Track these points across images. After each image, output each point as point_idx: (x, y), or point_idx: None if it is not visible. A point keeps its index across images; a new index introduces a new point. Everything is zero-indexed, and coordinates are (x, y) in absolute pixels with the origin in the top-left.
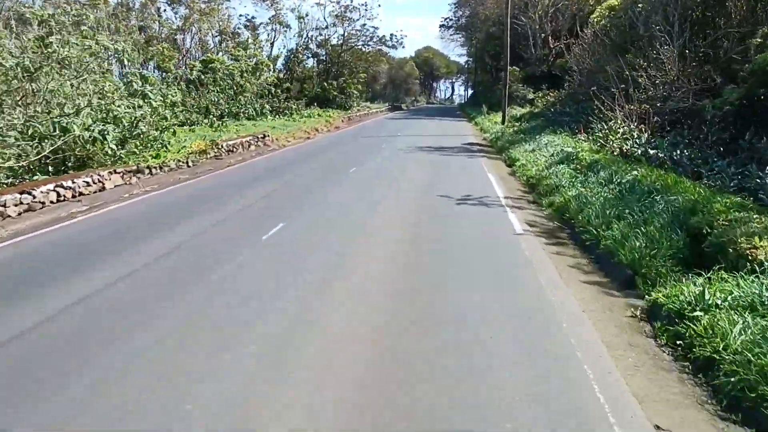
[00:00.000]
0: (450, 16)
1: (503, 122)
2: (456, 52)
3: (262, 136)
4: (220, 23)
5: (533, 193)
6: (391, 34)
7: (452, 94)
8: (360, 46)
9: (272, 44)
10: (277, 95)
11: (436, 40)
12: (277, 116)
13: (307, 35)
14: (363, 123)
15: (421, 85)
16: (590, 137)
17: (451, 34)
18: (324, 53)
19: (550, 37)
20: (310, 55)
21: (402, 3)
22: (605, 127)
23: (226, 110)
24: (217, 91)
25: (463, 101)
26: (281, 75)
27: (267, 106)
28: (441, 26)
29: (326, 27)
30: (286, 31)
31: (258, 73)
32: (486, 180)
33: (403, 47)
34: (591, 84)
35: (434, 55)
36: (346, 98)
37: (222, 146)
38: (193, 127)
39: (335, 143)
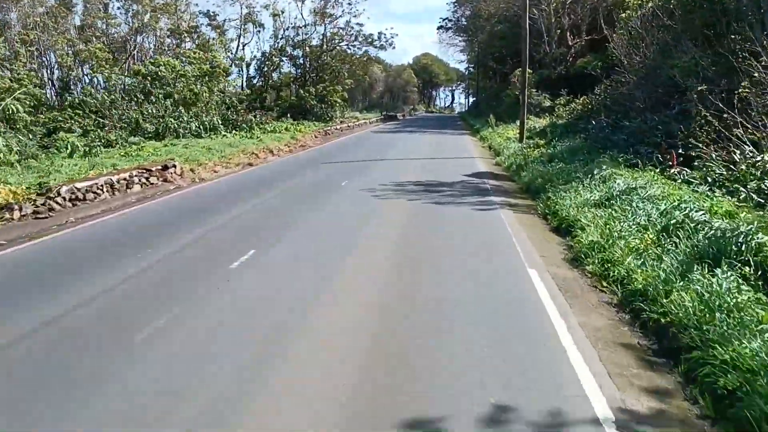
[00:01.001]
0: (449, 16)
1: (521, 140)
2: (456, 58)
3: (163, 167)
4: (177, 20)
5: (693, 389)
6: (380, 33)
7: (452, 102)
8: (344, 47)
9: (243, 46)
10: (233, 106)
11: (434, 45)
12: (234, 131)
13: (283, 35)
14: (341, 139)
15: (420, 93)
16: (703, 176)
17: (450, 36)
18: (301, 55)
19: (568, 33)
20: (285, 59)
21: (401, 12)
22: (739, 158)
23: (165, 125)
24: (154, 101)
25: (463, 110)
26: (255, 82)
27: (217, 120)
28: (439, 28)
29: (305, 25)
30: (259, 31)
31: (214, 80)
32: (532, 296)
33: (393, 48)
34: (654, 84)
35: (433, 61)
36: (327, 108)
37: (57, 194)
38: (108, 149)
39: (275, 176)
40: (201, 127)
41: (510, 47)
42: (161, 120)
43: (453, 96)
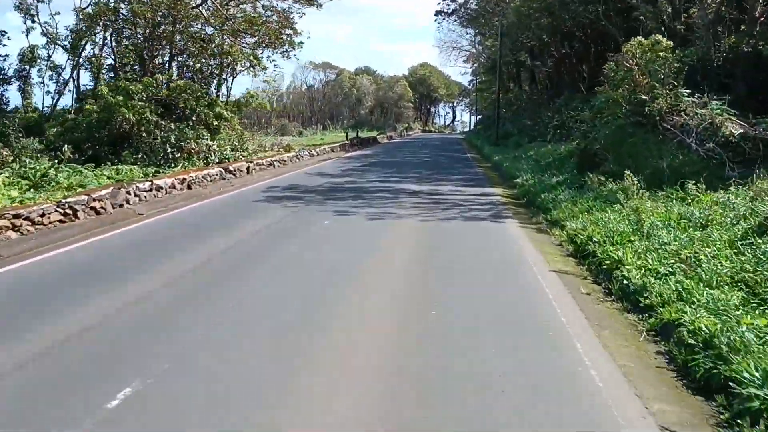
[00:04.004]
0: None
1: None
2: (458, 69)
3: None
4: None
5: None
6: None
7: (453, 120)
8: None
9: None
10: None
11: (433, 49)
12: None
13: None
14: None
15: (416, 109)
16: None
17: (452, 23)
18: (130, 14)
19: None
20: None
21: (402, 28)
22: None
23: None
24: None
25: (467, 129)
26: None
27: None
28: (438, 13)
29: None
30: None
31: None
32: None
33: None
34: None
35: (432, 72)
36: (191, 130)
37: None
38: None
39: None
40: None
41: (561, 27)
42: None
43: (454, 113)
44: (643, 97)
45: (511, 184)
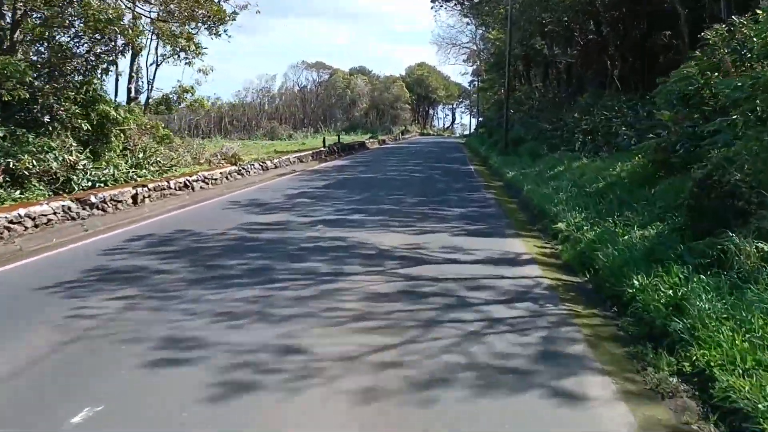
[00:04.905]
0: None
1: None
2: (457, 69)
3: None
4: None
5: None
6: None
7: (452, 123)
8: None
9: None
10: None
11: (431, 52)
12: None
13: None
14: None
15: (414, 111)
16: None
17: (450, 10)
18: None
19: None
20: None
21: (401, 31)
22: None
23: None
24: None
25: (468, 132)
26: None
27: None
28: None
29: None
30: None
31: None
32: None
33: None
34: None
35: (430, 72)
36: (8, 147)
37: None
38: None
39: None
40: None
41: (586, 7)
42: None
43: (454, 115)
44: None
45: (544, 228)
